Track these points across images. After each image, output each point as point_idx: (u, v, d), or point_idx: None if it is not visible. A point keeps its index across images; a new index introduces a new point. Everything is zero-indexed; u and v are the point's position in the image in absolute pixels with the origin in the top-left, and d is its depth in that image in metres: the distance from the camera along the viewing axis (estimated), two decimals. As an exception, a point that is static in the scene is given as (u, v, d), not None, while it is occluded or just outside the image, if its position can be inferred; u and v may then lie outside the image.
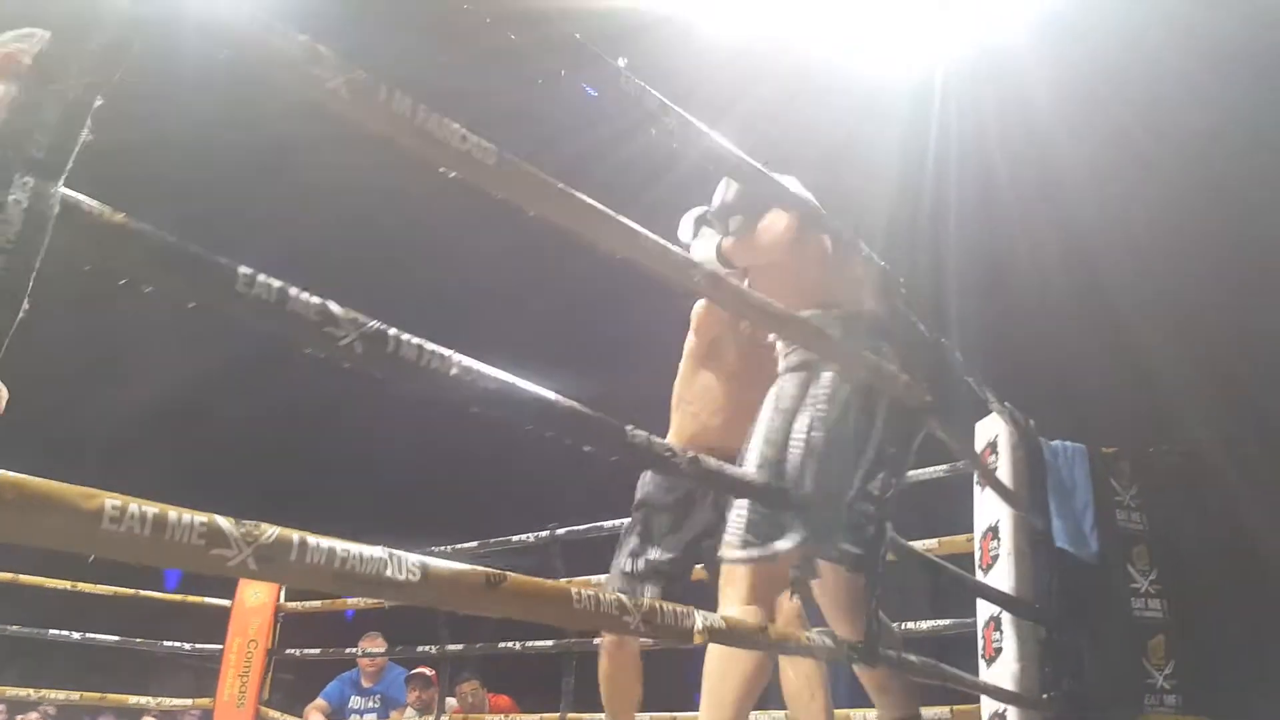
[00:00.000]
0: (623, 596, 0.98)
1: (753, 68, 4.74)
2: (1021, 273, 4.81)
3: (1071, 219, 5.09)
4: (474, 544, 4.82)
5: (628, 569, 2.64)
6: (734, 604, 1.80)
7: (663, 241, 1.14)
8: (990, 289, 4.88)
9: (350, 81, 0.83)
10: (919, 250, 4.75)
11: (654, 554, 2.64)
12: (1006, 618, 3.01)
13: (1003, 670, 3.02)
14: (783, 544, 1.86)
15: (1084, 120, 4.62)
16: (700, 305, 2.69)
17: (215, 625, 5.37)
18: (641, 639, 2.47)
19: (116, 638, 5.11)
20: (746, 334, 2.60)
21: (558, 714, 4.18)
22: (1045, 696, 3.04)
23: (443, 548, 4.92)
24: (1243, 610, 3.37)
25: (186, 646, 5.57)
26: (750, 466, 1.95)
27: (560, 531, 4.47)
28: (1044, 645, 3.27)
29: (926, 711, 3.08)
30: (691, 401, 2.71)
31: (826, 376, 2.01)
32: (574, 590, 0.94)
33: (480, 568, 0.92)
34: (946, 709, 3.28)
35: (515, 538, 4.71)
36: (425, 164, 0.95)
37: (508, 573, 0.92)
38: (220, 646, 5.31)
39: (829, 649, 1.42)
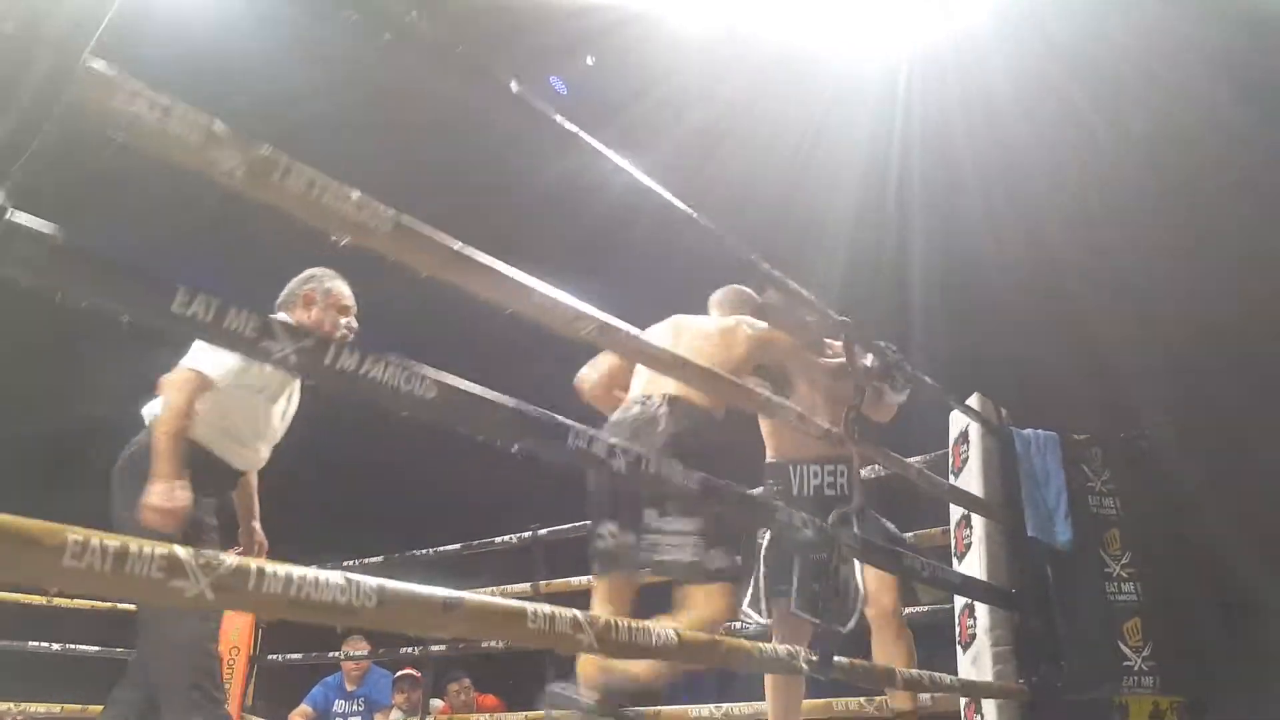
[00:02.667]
0: (578, 614, 1.00)
1: (723, 59, 4.75)
2: (991, 261, 4.85)
3: (1035, 207, 5.13)
4: (457, 546, 4.83)
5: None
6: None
7: (553, 294, 1.17)
8: (961, 278, 4.92)
9: (249, 163, 0.86)
10: (888, 240, 4.79)
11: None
12: (981, 604, 3.05)
13: (978, 656, 3.06)
14: None
15: (1045, 110, 4.65)
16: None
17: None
18: None
19: (97, 648, 5.08)
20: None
21: (544, 711, 4.21)
22: (1021, 682, 3.09)
23: (425, 551, 4.92)
24: (1213, 590, 3.43)
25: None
26: None
27: (543, 532, 4.49)
28: (1019, 631, 3.32)
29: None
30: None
31: None
32: (529, 609, 0.95)
33: (438, 591, 0.93)
34: (928, 696, 3.32)
35: (498, 539, 4.72)
36: (321, 233, 0.98)
37: (464, 594, 0.93)
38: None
39: (780, 661, 1.45)
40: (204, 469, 2.47)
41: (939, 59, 4.57)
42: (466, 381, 1.07)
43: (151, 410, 2.58)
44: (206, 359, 2.46)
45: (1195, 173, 4.84)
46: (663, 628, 1.10)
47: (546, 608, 0.98)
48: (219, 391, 2.48)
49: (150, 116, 0.83)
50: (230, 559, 0.90)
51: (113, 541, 0.86)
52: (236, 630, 5.26)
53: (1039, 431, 3.35)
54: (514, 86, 1.21)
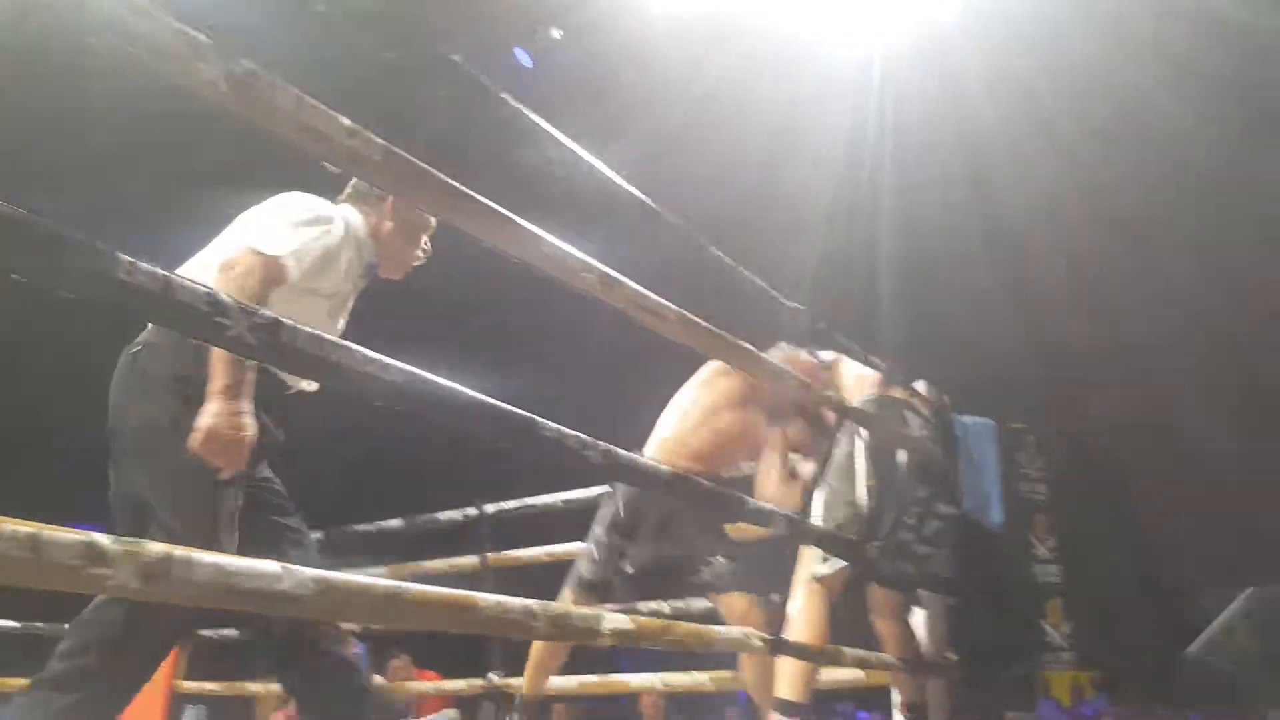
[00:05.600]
0: (529, 602, 0.97)
1: (701, 45, 4.69)
2: (944, 253, 4.93)
3: (993, 201, 5.23)
4: (398, 522, 4.74)
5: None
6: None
7: (558, 243, 1.11)
8: (914, 267, 4.99)
9: (230, 75, 0.78)
10: (851, 226, 4.83)
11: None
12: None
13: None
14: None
15: (1010, 102, 4.72)
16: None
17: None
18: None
19: (19, 624, 4.87)
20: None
21: (484, 680, 4.20)
22: (950, 657, 3.17)
23: (367, 526, 4.82)
24: (1129, 572, 3.56)
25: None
26: (835, 509, 2.53)
27: (489, 509, 4.43)
28: (950, 609, 3.40)
29: (841, 673, 3.20)
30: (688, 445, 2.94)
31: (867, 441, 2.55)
32: (479, 599, 0.92)
33: (380, 580, 0.89)
34: (859, 671, 3.39)
35: (443, 515, 4.65)
36: (310, 159, 0.91)
37: (408, 584, 0.89)
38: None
39: (734, 641, 1.45)
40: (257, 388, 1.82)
41: (907, 50, 4.60)
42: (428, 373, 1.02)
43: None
44: (279, 240, 1.85)
45: (1156, 169, 4.98)
46: (615, 615, 1.09)
47: (495, 597, 0.95)
48: (285, 289, 1.86)
49: (131, 19, 0.75)
50: (156, 546, 0.84)
51: (25, 527, 0.80)
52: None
53: (977, 419, 3.42)
54: (457, 59, 1.14)
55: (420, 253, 2.25)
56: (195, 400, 1.71)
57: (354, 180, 2.14)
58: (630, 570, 2.85)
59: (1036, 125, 4.91)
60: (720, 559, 2.87)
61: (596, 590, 2.86)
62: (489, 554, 4.36)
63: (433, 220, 2.20)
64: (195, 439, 1.67)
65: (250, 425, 1.71)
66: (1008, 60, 4.56)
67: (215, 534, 1.73)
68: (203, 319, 0.87)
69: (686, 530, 2.86)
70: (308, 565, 0.92)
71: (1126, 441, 3.64)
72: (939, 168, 4.95)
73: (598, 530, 2.93)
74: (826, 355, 2.82)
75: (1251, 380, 6.41)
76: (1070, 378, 5.64)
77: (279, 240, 1.83)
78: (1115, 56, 4.47)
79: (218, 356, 1.70)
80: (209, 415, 1.67)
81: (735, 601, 2.79)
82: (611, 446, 1.29)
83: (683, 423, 2.97)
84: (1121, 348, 6.53)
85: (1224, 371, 6.87)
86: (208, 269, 1.84)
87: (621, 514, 2.86)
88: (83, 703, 1.70)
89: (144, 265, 0.85)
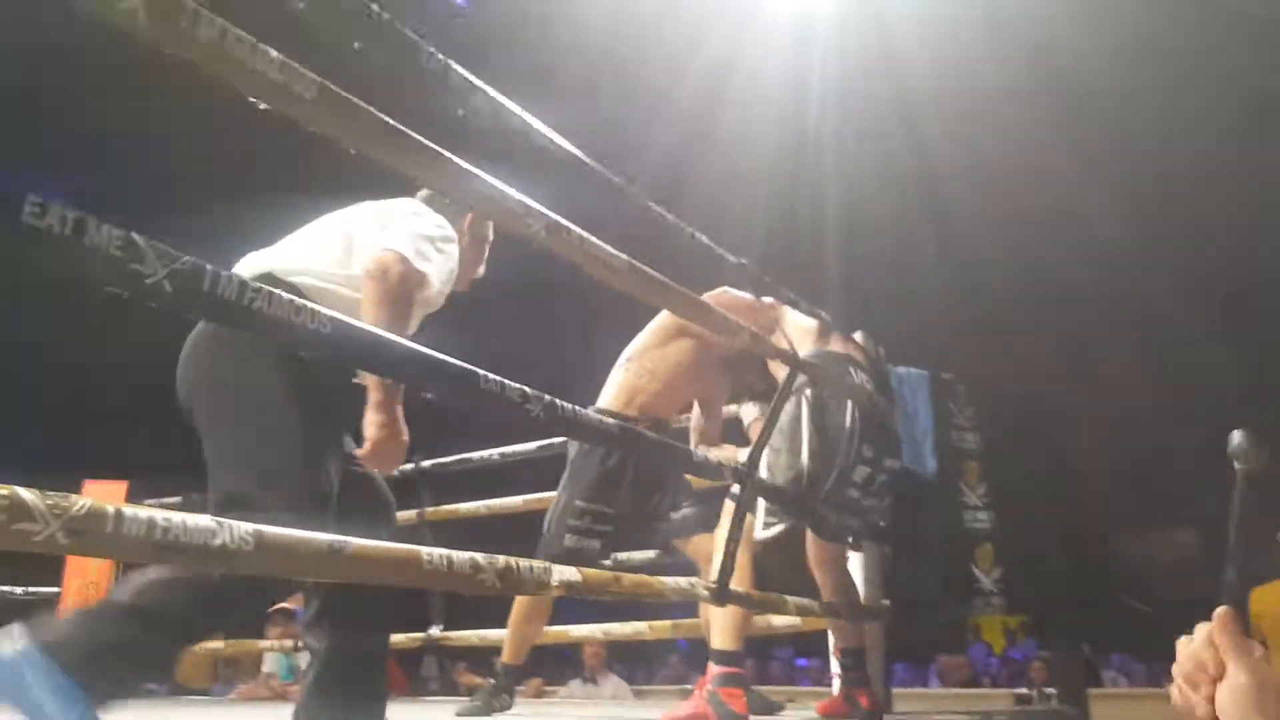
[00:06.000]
0: (475, 555, 0.96)
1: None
2: (878, 206, 4.99)
3: (927, 158, 5.29)
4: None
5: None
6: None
7: (499, 184, 1.07)
8: (849, 220, 5.04)
9: (148, 2, 0.72)
10: (789, 181, 4.85)
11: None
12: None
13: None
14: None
15: (942, 62, 4.76)
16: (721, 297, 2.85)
17: (50, 567, 4.99)
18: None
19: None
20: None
21: (424, 634, 4.20)
22: (885, 602, 3.27)
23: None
24: (1057, 519, 3.70)
25: (18, 590, 5.19)
26: (778, 471, 2.49)
27: (426, 464, 4.39)
28: (885, 556, 3.50)
29: (780, 619, 3.28)
30: (646, 367, 2.97)
31: (817, 393, 2.55)
32: (424, 552, 0.90)
33: (321, 535, 0.87)
34: (796, 619, 3.48)
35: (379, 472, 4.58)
36: (238, 94, 0.85)
37: (350, 539, 0.87)
38: (57, 590, 4.97)
39: (683, 590, 1.46)
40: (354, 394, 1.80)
41: (844, 5, 4.59)
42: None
43: (270, 264, 1.86)
44: (424, 255, 1.80)
45: (1076, 123, 5.09)
46: (564, 567, 1.08)
47: (440, 550, 0.93)
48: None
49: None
50: (84, 500, 0.80)
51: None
52: (95, 566, 4.96)
53: (911, 370, 3.49)
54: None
55: (483, 266, 2.28)
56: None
57: (424, 190, 2.07)
58: (612, 530, 2.89)
59: (967, 83, 4.98)
60: (685, 506, 3.01)
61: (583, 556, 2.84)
62: (426, 509, 4.34)
63: (492, 232, 2.21)
64: (367, 449, 1.71)
65: (406, 430, 1.74)
66: (941, 19, 4.60)
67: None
68: (117, 266, 0.82)
69: (663, 482, 2.96)
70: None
71: (1052, 391, 3.75)
72: (874, 122, 4.98)
73: (577, 502, 2.90)
74: (766, 300, 2.82)
75: (1171, 334, 6.69)
76: (999, 329, 5.81)
77: (424, 255, 1.80)
78: (1040, 16, 4.55)
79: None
80: (376, 426, 1.69)
81: (702, 543, 2.90)
82: (554, 399, 1.27)
83: (644, 339, 3.03)
84: (1047, 298, 6.74)
85: (1143, 323, 7.15)
86: (335, 272, 1.83)
87: (598, 478, 2.88)
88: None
89: (54, 207, 0.79)
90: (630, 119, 4.80)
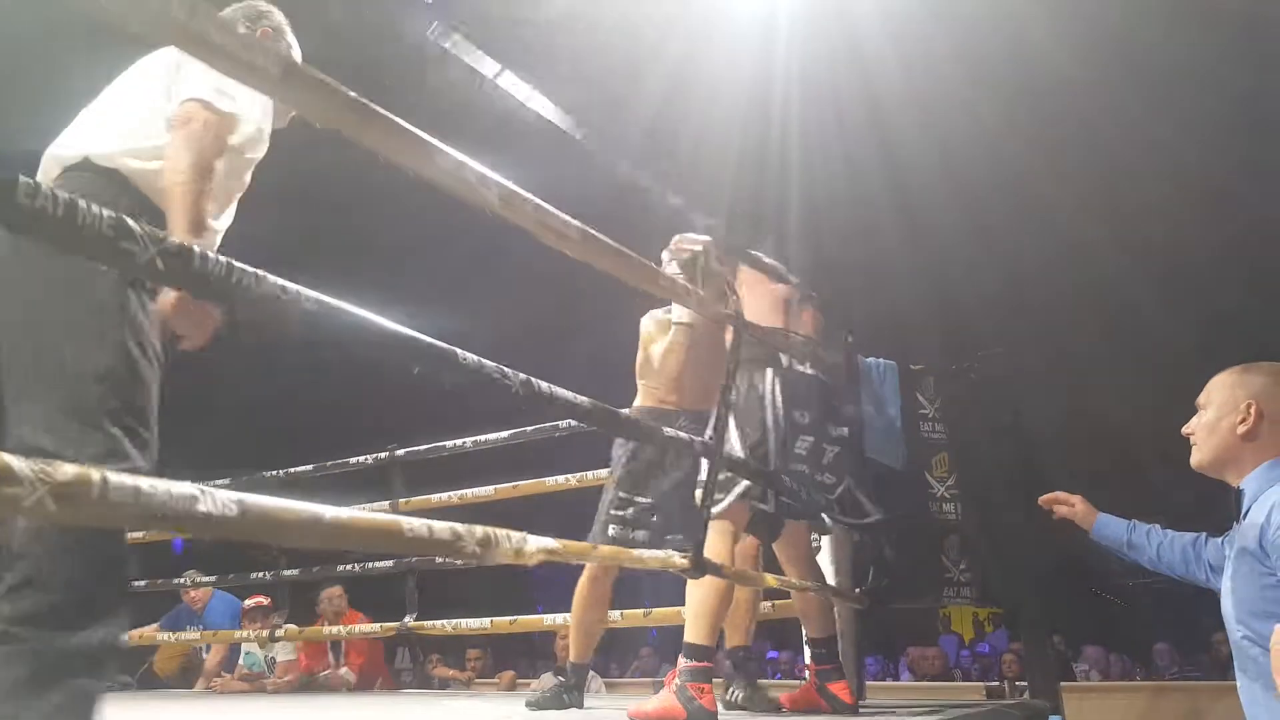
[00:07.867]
0: (455, 525, 0.98)
1: None
2: (846, 201, 5.04)
3: (893, 151, 5.35)
4: (309, 468, 4.65)
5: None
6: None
7: (460, 157, 1.08)
8: (817, 214, 5.09)
9: None
10: (756, 171, 4.87)
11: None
12: (826, 522, 3.24)
13: (821, 567, 3.27)
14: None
15: (910, 54, 4.82)
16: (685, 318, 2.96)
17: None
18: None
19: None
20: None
21: (399, 623, 4.21)
22: (858, 590, 3.32)
23: (275, 473, 4.72)
24: (1024, 510, 3.76)
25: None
26: (736, 445, 2.52)
27: (400, 453, 4.39)
28: (856, 546, 3.55)
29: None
30: (651, 369, 3.08)
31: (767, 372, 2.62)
32: (404, 522, 0.92)
33: (302, 503, 0.89)
34: (769, 604, 3.52)
35: (353, 460, 4.59)
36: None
37: (330, 507, 0.89)
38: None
39: (661, 560, 1.49)
40: None
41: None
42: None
43: (84, 147, 1.75)
44: (229, 96, 1.69)
45: (1045, 119, 5.16)
46: (540, 537, 1.11)
47: (421, 520, 0.95)
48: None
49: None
50: (70, 467, 0.82)
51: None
52: None
53: (880, 360, 3.54)
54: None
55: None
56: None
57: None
58: (656, 520, 2.91)
59: (932, 76, 5.04)
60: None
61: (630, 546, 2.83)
62: (400, 499, 4.34)
63: (298, 50, 2.05)
64: (169, 309, 1.59)
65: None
66: (906, 10, 4.66)
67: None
68: (109, 245, 0.84)
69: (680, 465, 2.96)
70: None
71: (1020, 382, 3.81)
72: (840, 116, 5.03)
73: (619, 493, 2.96)
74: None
75: (1143, 326, 6.82)
76: (967, 320, 5.89)
77: (226, 93, 1.69)
78: (1005, 8, 4.62)
79: (184, 223, 1.58)
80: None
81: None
82: (531, 378, 1.29)
83: (639, 355, 3.15)
84: (1015, 290, 6.83)
85: (1111, 314, 7.27)
86: (138, 129, 1.71)
87: (631, 470, 2.96)
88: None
89: (48, 188, 0.80)
90: (592, 116, 4.82)
